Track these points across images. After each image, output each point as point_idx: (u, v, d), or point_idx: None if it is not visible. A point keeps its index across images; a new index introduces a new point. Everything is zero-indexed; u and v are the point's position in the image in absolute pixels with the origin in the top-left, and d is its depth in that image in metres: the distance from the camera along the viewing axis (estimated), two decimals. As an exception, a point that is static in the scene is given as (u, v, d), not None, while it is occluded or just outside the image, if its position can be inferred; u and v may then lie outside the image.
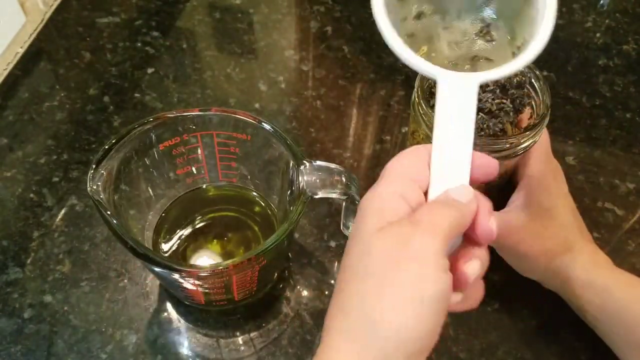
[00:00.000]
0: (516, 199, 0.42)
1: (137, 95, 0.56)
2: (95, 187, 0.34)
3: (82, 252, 0.45)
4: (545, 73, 0.37)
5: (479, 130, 0.40)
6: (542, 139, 0.42)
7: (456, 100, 0.30)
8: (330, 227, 0.48)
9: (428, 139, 0.40)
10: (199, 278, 0.36)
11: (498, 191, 0.44)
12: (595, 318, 0.40)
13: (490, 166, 0.30)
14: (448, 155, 0.29)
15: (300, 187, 0.36)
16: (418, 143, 0.42)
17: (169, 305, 0.43)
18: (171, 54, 0.59)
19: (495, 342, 0.43)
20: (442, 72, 0.30)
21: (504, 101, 0.40)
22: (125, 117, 0.54)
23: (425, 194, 0.30)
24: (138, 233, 0.41)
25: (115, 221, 0.33)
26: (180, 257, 0.43)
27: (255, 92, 0.57)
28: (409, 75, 0.58)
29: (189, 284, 0.37)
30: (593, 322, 0.41)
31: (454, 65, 0.34)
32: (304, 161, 0.37)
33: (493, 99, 0.40)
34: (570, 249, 0.40)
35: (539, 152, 0.42)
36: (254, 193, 0.46)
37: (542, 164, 0.42)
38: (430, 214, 0.27)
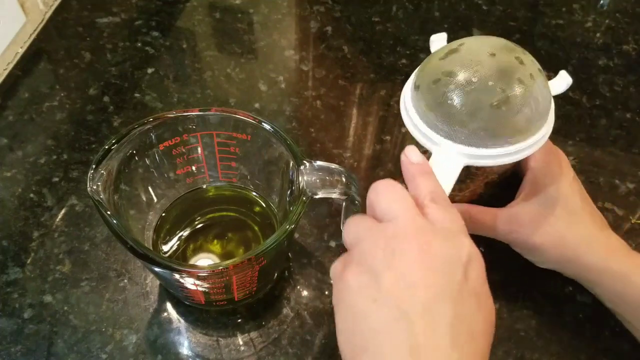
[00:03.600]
0: (523, 192, 0.41)
1: (137, 95, 0.56)
2: (95, 187, 0.34)
3: (82, 252, 0.45)
4: (545, 73, 0.37)
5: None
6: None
7: (443, 165, 0.36)
8: (330, 227, 0.48)
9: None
10: (198, 278, 0.36)
11: (502, 189, 0.43)
12: (615, 304, 0.39)
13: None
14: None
15: (300, 187, 0.36)
16: (418, 143, 0.42)
17: (169, 305, 0.43)
18: (171, 54, 0.59)
19: (495, 342, 0.43)
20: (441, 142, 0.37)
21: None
22: (125, 117, 0.54)
23: None
24: (138, 233, 0.41)
25: (115, 221, 0.33)
26: (181, 257, 0.43)
27: (255, 92, 0.57)
28: (409, 75, 0.58)
29: (189, 284, 0.37)
30: (613, 309, 0.40)
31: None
32: (304, 161, 0.37)
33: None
34: (583, 235, 0.39)
35: None
36: (254, 193, 0.46)
37: (544, 154, 0.41)
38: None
